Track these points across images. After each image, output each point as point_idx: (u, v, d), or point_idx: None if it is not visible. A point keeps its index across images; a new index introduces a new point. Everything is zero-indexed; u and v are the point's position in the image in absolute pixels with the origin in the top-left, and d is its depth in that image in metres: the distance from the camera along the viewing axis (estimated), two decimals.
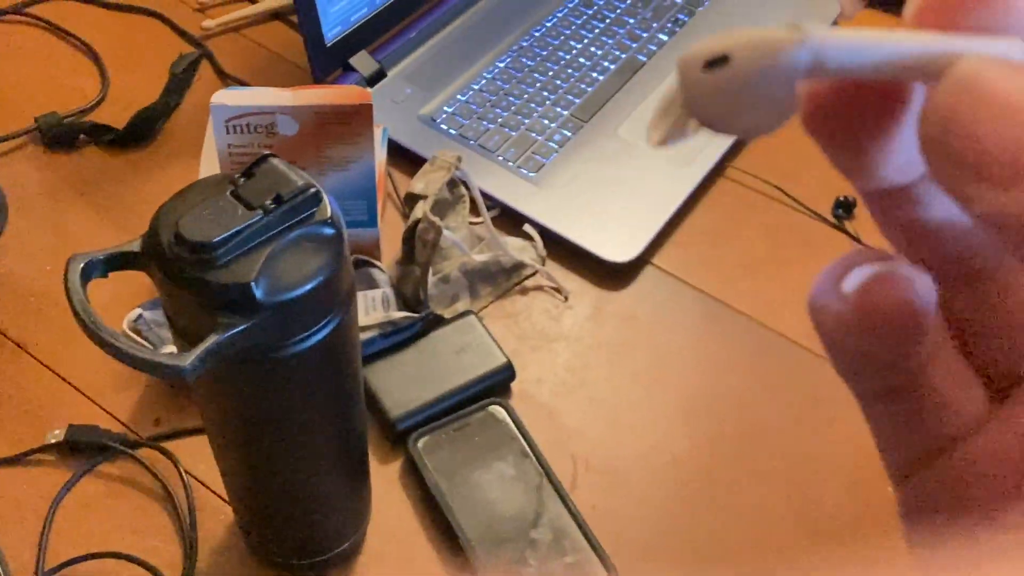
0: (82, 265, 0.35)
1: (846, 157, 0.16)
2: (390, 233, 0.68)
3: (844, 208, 0.72)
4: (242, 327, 0.34)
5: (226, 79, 0.78)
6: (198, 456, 0.57)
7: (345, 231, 0.38)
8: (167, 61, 0.74)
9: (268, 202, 0.35)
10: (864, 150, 0.16)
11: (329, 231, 0.37)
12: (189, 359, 0.33)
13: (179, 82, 0.75)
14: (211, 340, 0.34)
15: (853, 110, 0.15)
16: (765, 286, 0.68)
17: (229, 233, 0.34)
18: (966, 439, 0.16)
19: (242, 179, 0.36)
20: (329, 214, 0.37)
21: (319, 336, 0.38)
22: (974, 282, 0.17)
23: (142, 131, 0.72)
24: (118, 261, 0.36)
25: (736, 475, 0.60)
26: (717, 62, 0.13)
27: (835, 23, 0.87)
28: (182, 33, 0.80)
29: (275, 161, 0.37)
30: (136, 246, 0.36)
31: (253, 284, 0.34)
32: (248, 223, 0.35)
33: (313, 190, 0.36)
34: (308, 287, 0.36)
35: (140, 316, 0.61)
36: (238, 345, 0.35)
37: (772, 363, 0.64)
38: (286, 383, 0.39)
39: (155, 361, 0.33)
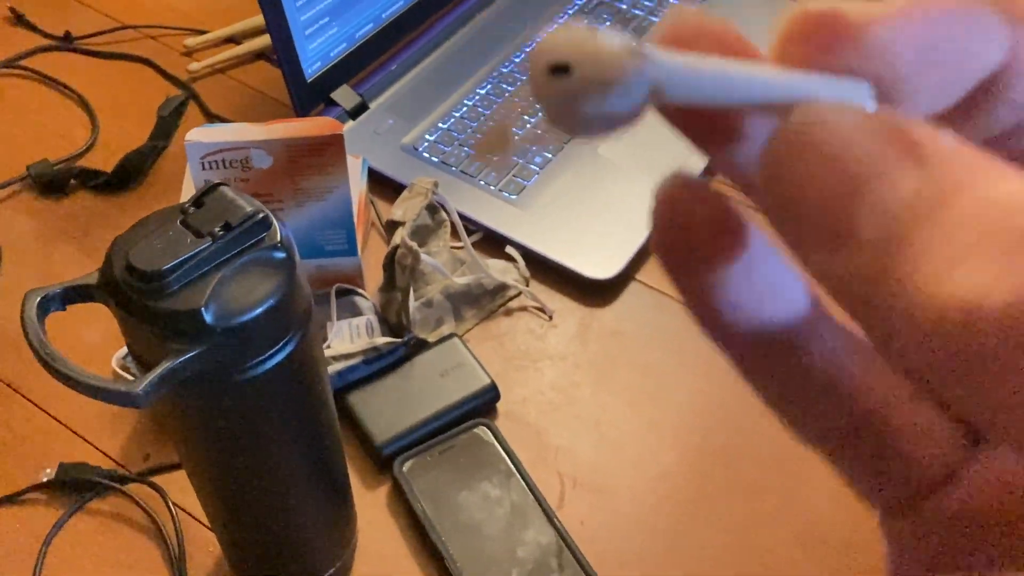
0: (39, 299, 0.36)
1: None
2: (375, 261, 0.68)
3: None
4: (194, 352, 0.35)
5: (212, 119, 0.79)
6: (187, 489, 0.57)
7: (297, 255, 0.38)
8: (155, 105, 0.75)
9: (217, 229, 0.36)
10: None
11: (279, 255, 0.37)
12: (141, 385, 0.34)
13: (166, 124, 0.76)
14: (163, 366, 0.34)
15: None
16: None
17: (178, 261, 0.35)
18: (940, 489, 0.15)
19: (192, 208, 0.37)
20: (279, 238, 0.37)
21: (277, 358, 0.38)
22: None
23: (130, 174, 0.74)
24: (75, 294, 0.37)
25: (726, 488, 0.60)
26: (560, 70, 0.13)
27: None
28: (169, 77, 0.82)
29: (225, 189, 0.38)
30: (93, 279, 0.37)
31: (203, 310, 0.35)
32: (197, 250, 0.35)
33: (261, 215, 0.37)
34: (259, 310, 0.36)
35: (128, 354, 0.61)
36: (192, 370, 0.35)
37: None
38: (248, 407, 0.39)
39: (108, 388, 0.34)
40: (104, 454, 0.60)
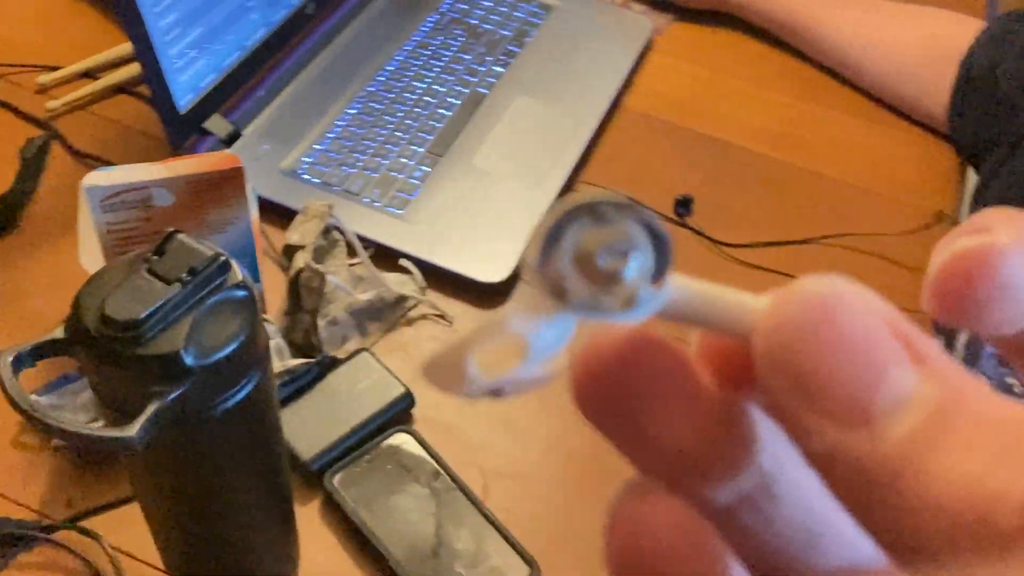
0: (11, 358, 0.37)
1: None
2: (270, 286, 0.70)
3: (683, 205, 0.80)
4: (178, 392, 0.37)
5: (80, 157, 0.78)
6: (120, 528, 0.58)
7: (255, 291, 0.41)
8: (16, 147, 0.74)
9: (183, 275, 0.38)
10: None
11: (242, 293, 0.40)
12: (135, 429, 0.36)
13: (31, 167, 0.75)
14: (151, 409, 0.36)
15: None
16: None
17: (153, 308, 0.37)
18: None
19: (154, 257, 0.39)
20: (240, 278, 0.40)
21: (246, 391, 0.41)
22: None
23: (2, 221, 0.72)
24: (45, 350, 0.38)
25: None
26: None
27: (649, 39, 0.95)
28: (27, 117, 0.80)
29: (182, 237, 0.40)
30: (60, 333, 0.38)
31: (182, 352, 0.37)
32: (169, 297, 0.37)
33: (223, 259, 0.39)
34: (232, 346, 0.38)
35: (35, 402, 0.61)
36: (176, 410, 0.37)
37: None
38: (220, 439, 0.41)
39: (104, 436, 0.36)
40: (23, 506, 0.59)
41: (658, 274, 0.14)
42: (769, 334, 0.13)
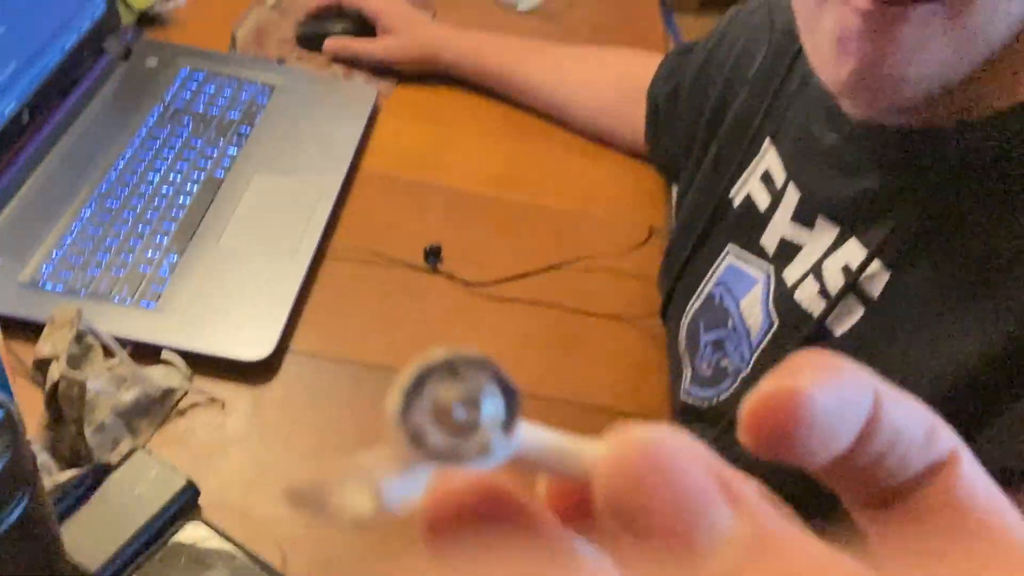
0: None
1: None
2: (27, 404, 0.68)
3: (433, 254, 0.85)
4: None
5: None
6: None
7: (15, 411, 0.41)
8: None
9: None
10: None
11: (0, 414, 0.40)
12: None
13: None
14: None
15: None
16: (393, 335, 0.78)
17: None
18: None
19: None
20: None
21: (17, 512, 0.40)
22: None
23: None
24: None
25: None
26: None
27: (376, 104, 1.00)
28: None
29: None
30: None
31: None
32: None
33: None
34: None
35: None
36: None
37: None
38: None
39: None
40: None
41: (508, 424, 0.16)
42: (604, 478, 0.15)
